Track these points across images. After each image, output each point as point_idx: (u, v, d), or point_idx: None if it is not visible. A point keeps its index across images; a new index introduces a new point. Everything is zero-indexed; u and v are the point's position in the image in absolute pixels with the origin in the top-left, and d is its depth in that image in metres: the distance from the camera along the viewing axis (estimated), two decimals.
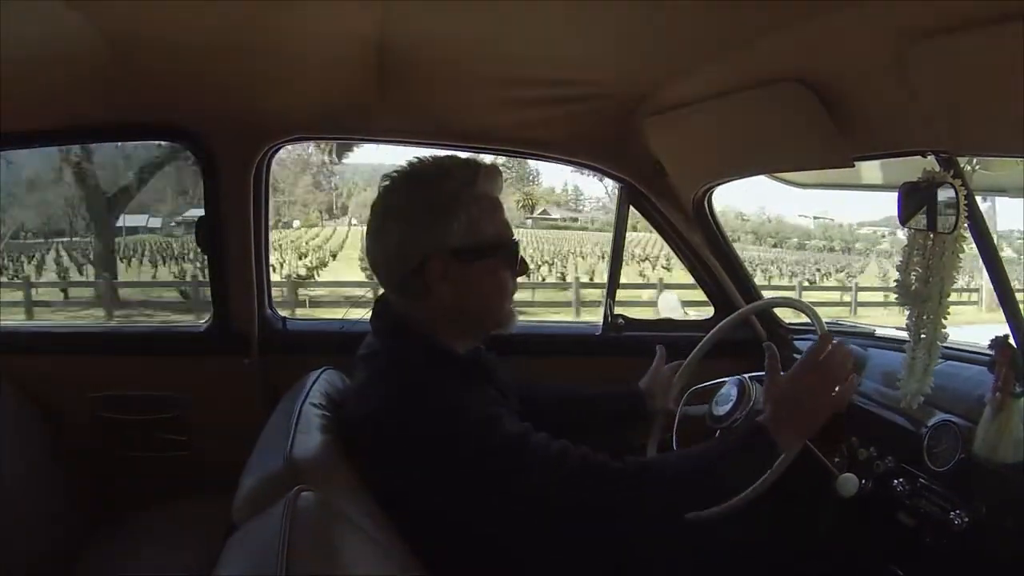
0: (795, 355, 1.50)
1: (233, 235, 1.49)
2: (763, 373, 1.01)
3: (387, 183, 0.98)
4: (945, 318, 1.04)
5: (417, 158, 0.99)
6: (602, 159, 1.59)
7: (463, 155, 0.99)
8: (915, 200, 1.02)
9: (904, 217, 1.04)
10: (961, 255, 1.02)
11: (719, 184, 1.54)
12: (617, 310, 1.69)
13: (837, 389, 0.95)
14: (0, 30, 0.92)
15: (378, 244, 0.97)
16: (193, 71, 1.21)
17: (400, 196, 0.96)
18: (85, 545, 1.35)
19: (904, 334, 1.31)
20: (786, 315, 1.67)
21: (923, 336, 1.07)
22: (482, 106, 1.39)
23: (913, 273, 1.04)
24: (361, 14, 0.99)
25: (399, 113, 1.42)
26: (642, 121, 1.42)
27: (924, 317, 1.05)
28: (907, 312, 1.08)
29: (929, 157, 1.02)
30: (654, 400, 1.26)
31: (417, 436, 0.86)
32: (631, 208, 1.64)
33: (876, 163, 1.33)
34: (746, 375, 1.20)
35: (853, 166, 1.11)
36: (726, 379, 1.22)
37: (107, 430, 1.50)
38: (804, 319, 1.26)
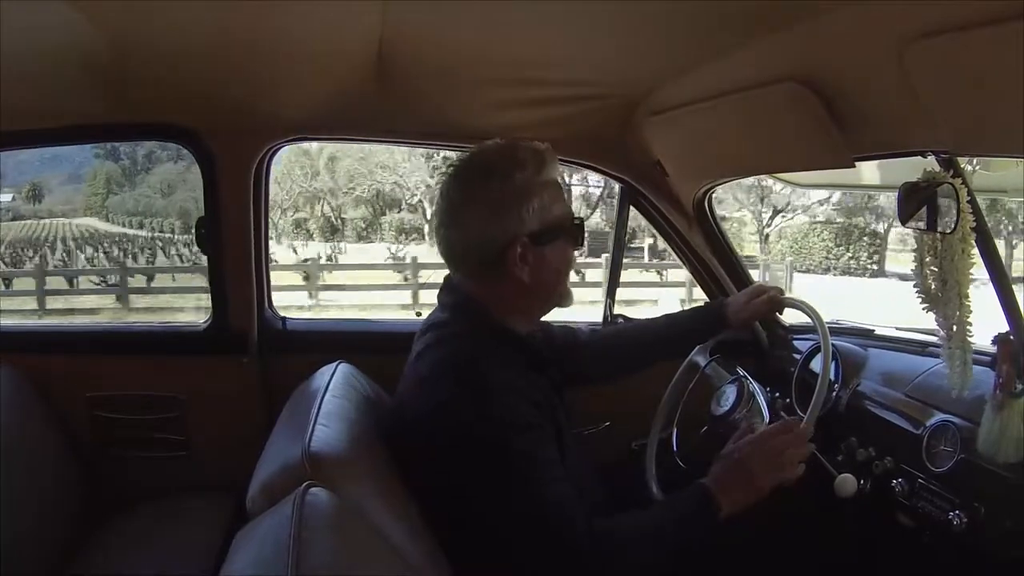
0: (795, 355, 1.50)
1: (233, 235, 1.49)
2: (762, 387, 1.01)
3: (456, 171, 1.02)
4: (969, 315, 1.03)
5: (481, 147, 1.06)
6: (602, 159, 1.59)
7: (524, 143, 1.03)
8: (915, 200, 1.02)
9: (904, 217, 1.04)
10: (972, 253, 1.01)
11: (719, 184, 1.54)
12: None
13: (782, 474, 0.97)
14: (1, 30, 0.92)
15: (457, 232, 1.01)
16: (193, 71, 1.21)
17: (477, 186, 1.00)
18: (83, 544, 1.35)
19: (902, 334, 1.32)
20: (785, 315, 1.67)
21: (955, 331, 1.05)
22: (482, 106, 1.39)
23: (929, 275, 1.04)
24: (361, 14, 0.99)
25: (399, 113, 1.43)
26: (642, 121, 1.42)
27: (953, 313, 1.04)
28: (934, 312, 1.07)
29: (929, 157, 1.02)
30: (734, 312, 1.33)
31: (464, 432, 0.90)
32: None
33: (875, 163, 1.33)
34: (748, 382, 1.21)
35: (853, 166, 1.11)
36: (738, 369, 1.24)
37: (105, 430, 1.50)
38: (805, 318, 1.26)
